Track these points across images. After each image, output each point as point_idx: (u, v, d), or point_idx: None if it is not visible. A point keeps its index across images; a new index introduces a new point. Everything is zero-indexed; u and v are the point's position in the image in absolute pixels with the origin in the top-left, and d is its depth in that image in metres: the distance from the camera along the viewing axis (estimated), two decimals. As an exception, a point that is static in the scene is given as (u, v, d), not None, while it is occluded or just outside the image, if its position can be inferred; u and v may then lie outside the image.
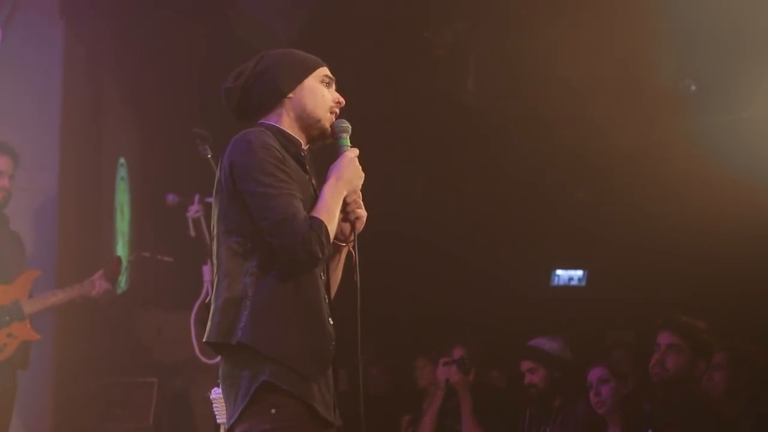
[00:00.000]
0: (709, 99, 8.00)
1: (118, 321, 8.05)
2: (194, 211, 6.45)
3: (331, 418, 3.62)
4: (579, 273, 10.90)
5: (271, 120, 3.75)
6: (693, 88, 8.00)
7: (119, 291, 8.20)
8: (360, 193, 3.74)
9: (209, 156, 5.63)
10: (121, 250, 8.41)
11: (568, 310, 9.56)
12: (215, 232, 3.65)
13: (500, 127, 8.83)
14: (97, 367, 7.65)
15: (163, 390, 7.51)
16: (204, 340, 3.65)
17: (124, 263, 8.12)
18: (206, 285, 6.34)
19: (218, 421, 4.60)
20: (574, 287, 10.90)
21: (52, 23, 7.50)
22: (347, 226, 3.74)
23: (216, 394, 4.68)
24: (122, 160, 8.64)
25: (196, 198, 6.46)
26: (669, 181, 8.24)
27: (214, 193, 3.70)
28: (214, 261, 3.66)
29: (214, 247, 3.65)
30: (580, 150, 8.78)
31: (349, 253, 3.80)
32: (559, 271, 10.92)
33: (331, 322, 3.66)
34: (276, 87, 3.74)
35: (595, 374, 5.88)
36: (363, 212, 3.74)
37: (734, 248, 8.17)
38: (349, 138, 3.80)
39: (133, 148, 8.91)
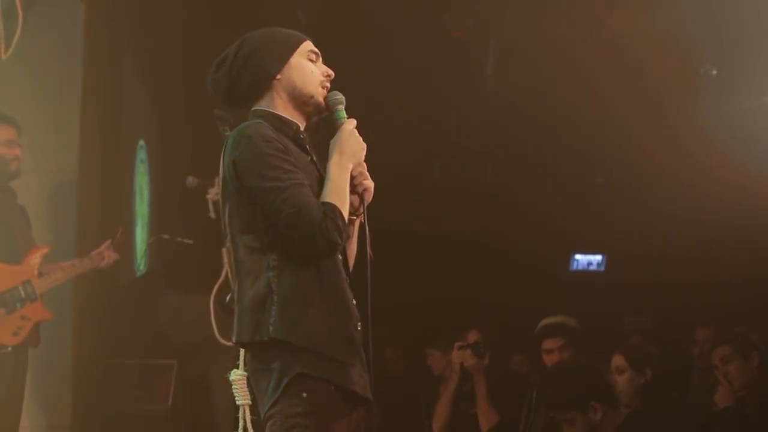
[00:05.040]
0: (730, 84, 7.97)
1: (137, 303, 8.07)
2: (214, 192, 6.43)
3: (369, 395, 3.62)
4: (598, 258, 10.90)
5: (263, 105, 3.72)
6: (714, 72, 7.97)
7: (138, 273, 8.22)
8: (365, 164, 3.72)
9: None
10: (140, 232, 8.43)
11: (587, 295, 9.55)
12: (229, 231, 3.63)
13: (519, 111, 8.82)
14: (116, 349, 7.67)
15: (182, 372, 7.52)
16: (234, 341, 3.63)
17: (143, 245, 8.15)
18: (226, 267, 6.34)
19: (238, 402, 4.61)
20: (592, 272, 10.90)
21: (73, 5, 7.51)
22: (356, 199, 3.70)
23: (235, 375, 4.70)
24: (142, 143, 8.65)
25: (216, 180, 6.45)
26: (689, 167, 8.22)
27: (220, 190, 3.67)
28: (232, 261, 3.63)
29: (230, 246, 3.63)
30: (599, 134, 8.77)
31: (362, 226, 3.77)
32: (578, 256, 10.92)
33: (355, 303, 3.65)
34: (263, 71, 3.71)
35: (613, 362, 5.86)
36: (370, 183, 3.71)
37: (754, 235, 8.15)
38: (344, 109, 3.76)
39: (153, 131, 8.92)
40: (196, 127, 7.89)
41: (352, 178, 3.66)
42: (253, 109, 3.75)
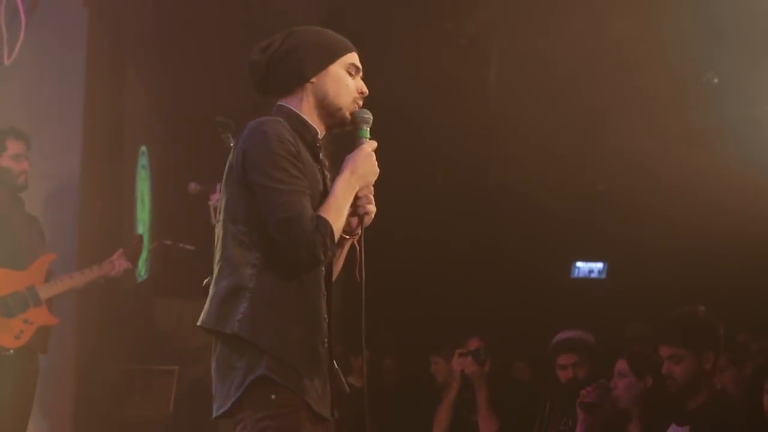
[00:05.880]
0: (732, 91, 7.97)
1: (138, 308, 8.08)
2: (216, 199, 6.43)
3: (325, 413, 3.59)
4: (599, 265, 10.87)
5: (290, 103, 3.68)
6: (716, 80, 7.97)
7: (140, 279, 8.23)
8: (372, 188, 3.68)
9: (232, 144, 5.62)
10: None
11: (588, 303, 9.54)
12: (221, 217, 3.62)
13: (522, 118, 8.82)
14: (117, 355, 7.68)
15: (183, 377, 7.54)
16: (198, 324, 3.62)
17: (145, 251, 8.15)
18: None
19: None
20: (594, 279, 10.87)
21: (76, 11, 7.52)
22: (355, 220, 3.67)
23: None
24: (143, 149, 8.67)
25: (218, 186, 6.43)
26: (690, 175, 8.22)
27: (224, 177, 3.65)
28: (218, 246, 3.62)
29: (219, 232, 3.62)
30: (601, 142, 8.76)
31: (353, 247, 3.73)
32: (579, 263, 10.89)
33: (327, 319, 3.64)
34: (300, 70, 3.67)
35: (617, 367, 5.85)
36: (373, 208, 3.67)
37: (757, 243, 8.15)
38: (369, 129, 3.72)
39: (155, 137, 8.94)
40: (197, 134, 7.90)
41: (357, 199, 3.63)
42: (278, 103, 3.72)
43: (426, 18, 8.02)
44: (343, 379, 3.75)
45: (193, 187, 6.69)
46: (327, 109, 3.70)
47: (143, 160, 8.65)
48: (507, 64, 8.68)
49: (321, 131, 3.72)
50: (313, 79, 3.68)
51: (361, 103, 3.74)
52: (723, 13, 7.27)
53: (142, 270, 8.22)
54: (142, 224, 8.59)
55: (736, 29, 7.41)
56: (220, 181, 6.37)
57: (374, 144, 3.70)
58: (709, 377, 5.20)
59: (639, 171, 8.87)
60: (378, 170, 3.68)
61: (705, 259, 8.91)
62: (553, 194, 9.61)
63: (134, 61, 8.37)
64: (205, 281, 3.79)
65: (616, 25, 7.53)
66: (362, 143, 3.69)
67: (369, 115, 3.72)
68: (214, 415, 3.60)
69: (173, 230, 8.02)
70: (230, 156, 3.63)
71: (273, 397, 3.46)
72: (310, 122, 3.69)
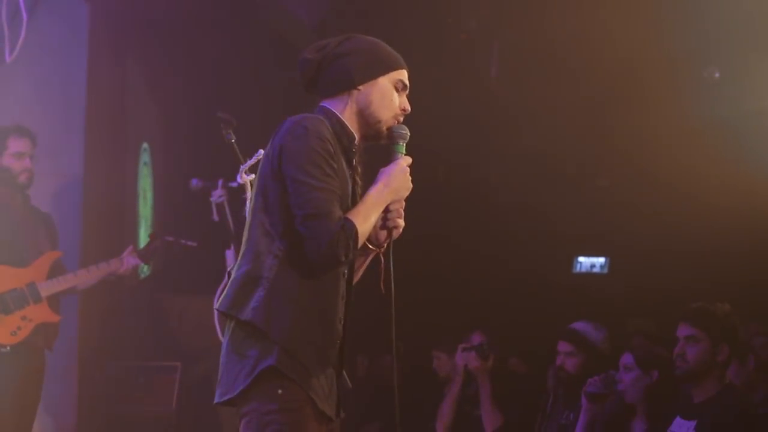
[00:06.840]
0: (732, 87, 7.98)
1: (141, 305, 8.08)
2: (218, 195, 6.44)
3: (330, 412, 3.63)
4: (601, 260, 10.89)
5: (333, 106, 3.73)
6: (717, 75, 7.97)
7: (142, 275, 8.23)
8: (404, 203, 3.74)
9: (233, 141, 5.63)
10: (144, 234, 8.45)
11: (590, 297, 9.55)
12: (251, 205, 3.66)
13: (523, 114, 8.83)
14: (120, 351, 7.68)
15: (186, 374, 7.54)
16: (215, 307, 3.68)
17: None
18: (229, 269, 6.31)
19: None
20: (596, 274, 10.89)
21: (77, 8, 7.53)
22: (383, 233, 3.73)
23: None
24: (145, 145, 8.67)
25: (220, 183, 6.46)
26: (692, 170, 8.22)
27: (259, 167, 3.69)
28: (245, 232, 3.66)
29: (248, 218, 3.66)
30: (602, 137, 8.77)
31: (377, 259, 3.79)
32: (581, 258, 10.91)
33: (342, 321, 3.68)
34: (349, 75, 3.71)
35: (622, 360, 5.85)
36: (402, 222, 3.73)
37: (755, 239, 8.16)
38: (405, 145, 3.77)
39: (157, 133, 8.94)
40: (199, 130, 7.91)
41: (387, 212, 3.69)
42: (321, 104, 3.76)
43: (426, 13, 8.01)
44: (345, 375, 3.77)
45: (195, 183, 6.68)
46: (367, 119, 3.74)
47: (145, 157, 8.65)
48: (508, 59, 8.67)
49: (357, 139, 3.76)
50: (361, 87, 3.73)
51: (401, 119, 3.79)
52: (724, 8, 7.27)
53: (144, 266, 8.22)
54: (144, 221, 8.59)
55: (736, 24, 7.41)
56: (222, 178, 6.45)
57: (409, 160, 3.76)
58: (720, 371, 5.19)
59: (640, 166, 8.88)
60: (411, 186, 3.74)
61: (706, 255, 8.93)
62: (555, 189, 9.63)
63: (136, 58, 8.37)
64: (231, 267, 3.84)
65: (617, 21, 7.52)
66: (397, 158, 3.75)
67: (406, 131, 3.78)
68: (217, 400, 3.64)
69: (175, 227, 8.02)
70: (267, 148, 3.67)
71: (279, 392, 3.50)
72: (350, 128, 3.73)
